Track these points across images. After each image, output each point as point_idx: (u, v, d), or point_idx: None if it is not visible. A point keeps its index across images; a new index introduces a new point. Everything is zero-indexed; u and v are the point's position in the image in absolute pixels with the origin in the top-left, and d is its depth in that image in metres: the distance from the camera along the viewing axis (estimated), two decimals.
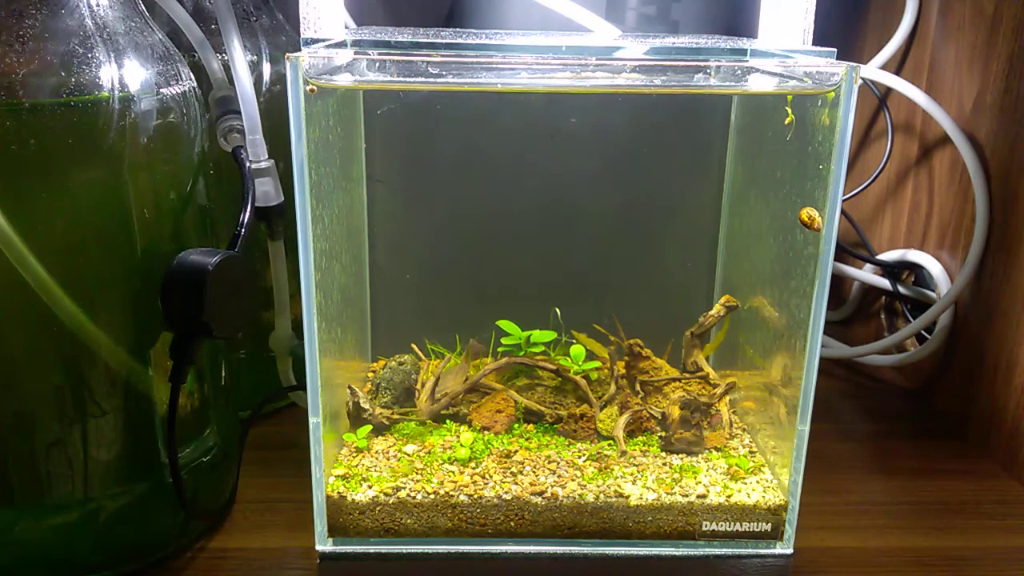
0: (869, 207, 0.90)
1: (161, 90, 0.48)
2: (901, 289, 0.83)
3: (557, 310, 0.66)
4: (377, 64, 0.47)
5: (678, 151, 0.66)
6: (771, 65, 0.50)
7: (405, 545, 0.53)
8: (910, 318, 0.84)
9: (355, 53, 0.46)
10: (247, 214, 0.55)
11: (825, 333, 0.69)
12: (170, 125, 0.49)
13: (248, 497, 0.61)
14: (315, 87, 0.45)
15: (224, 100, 0.59)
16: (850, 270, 0.88)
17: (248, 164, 0.56)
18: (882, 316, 0.89)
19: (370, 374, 0.67)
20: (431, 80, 0.45)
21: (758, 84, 0.49)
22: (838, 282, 0.94)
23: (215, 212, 0.55)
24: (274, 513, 0.59)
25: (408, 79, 0.46)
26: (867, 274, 0.87)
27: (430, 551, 0.53)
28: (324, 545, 0.53)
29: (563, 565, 0.53)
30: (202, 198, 0.54)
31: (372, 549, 0.53)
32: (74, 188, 0.45)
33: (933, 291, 0.79)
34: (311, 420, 0.51)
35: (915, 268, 0.82)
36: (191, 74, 0.53)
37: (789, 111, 0.50)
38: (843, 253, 0.88)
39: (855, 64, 0.45)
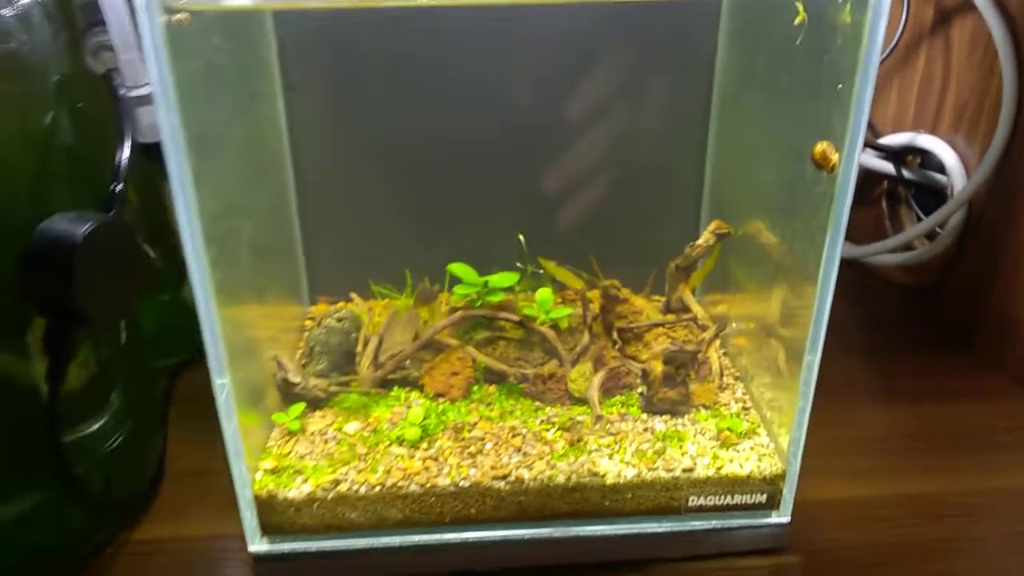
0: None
1: None
2: (906, 174, 0.74)
3: (521, 237, 0.56)
4: None
5: (655, 52, 0.54)
6: None
7: (354, 539, 0.46)
8: (913, 205, 0.75)
9: None
10: (123, 159, 0.44)
11: None
12: (6, 53, 0.38)
13: (179, 468, 0.55)
14: (184, 17, 0.34)
15: (90, 6, 0.46)
16: None
17: (123, 92, 0.45)
18: (883, 203, 0.80)
19: (308, 322, 0.59)
20: None
21: None
22: None
23: (99, 147, 0.44)
24: (208, 488, 0.52)
25: None
26: (868, 157, 0.77)
27: (383, 544, 0.46)
28: (257, 545, 0.46)
29: (535, 548, 0.47)
30: (68, 136, 0.43)
31: (315, 546, 0.46)
32: None
33: (945, 176, 0.70)
34: (216, 382, 0.42)
35: (925, 154, 0.72)
36: None
37: (800, 7, 0.39)
38: None
39: None
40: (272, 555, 0.46)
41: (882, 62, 0.74)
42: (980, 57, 0.65)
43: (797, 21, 0.39)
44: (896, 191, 0.79)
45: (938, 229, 0.70)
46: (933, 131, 0.71)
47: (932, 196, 0.73)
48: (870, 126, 0.78)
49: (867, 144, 0.76)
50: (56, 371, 0.42)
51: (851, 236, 0.79)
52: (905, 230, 0.76)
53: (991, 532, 0.49)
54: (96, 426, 0.48)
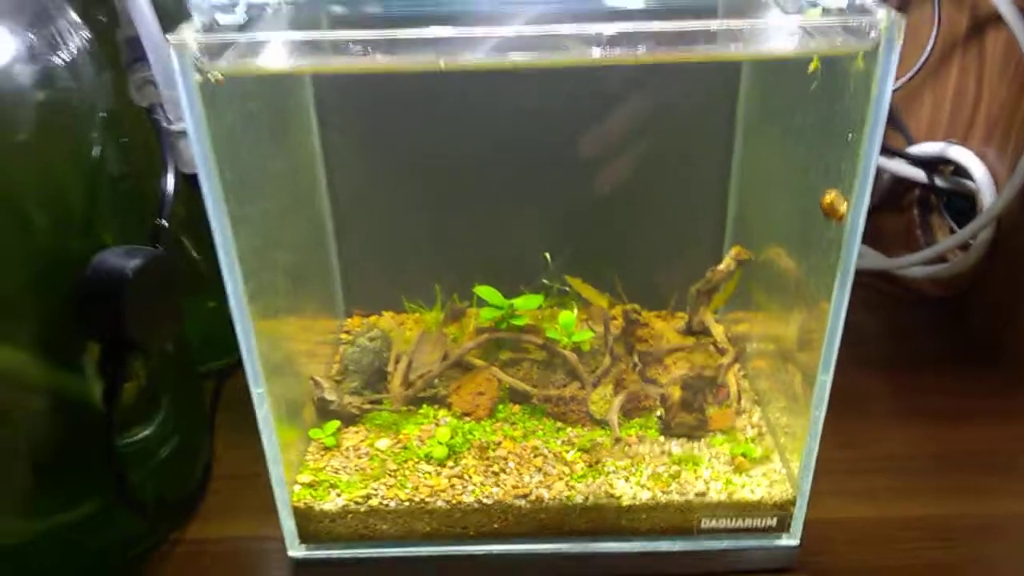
0: (905, 88, 0.78)
1: (43, 59, 0.40)
2: (938, 182, 0.74)
3: (547, 255, 0.58)
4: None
5: (681, 84, 0.55)
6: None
7: (385, 548, 0.49)
8: (945, 214, 0.75)
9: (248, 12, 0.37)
10: (168, 193, 0.47)
11: None
12: (59, 99, 0.41)
13: (225, 471, 0.58)
14: (221, 77, 0.36)
15: (135, 42, 0.48)
16: (880, 159, 0.78)
17: (166, 127, 0.47)
18: (914, 210, 0.80)
19: (344, 335, 0.62)
20: (355, 60, 0.35)
21: (770, 43, 0.38)
22: None
23: (142, 176, 0.47)
24: (252, 490, 0.54)
25: (326, 59, 0.37)
26: (900, 165, 0.77)
27: (411, 553, 0.49)
28: (296, 551, 0.49)
29: (553, 561, 0.49)
30: (114, 168, 0.46)
31: (349, 553, 0.49)
32: None
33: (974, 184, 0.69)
34: (254, 391, 0.44)
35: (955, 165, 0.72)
36: (79, 23, 0.43)
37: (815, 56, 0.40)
38: None
39: (898, 14, 0.35)
40: (309, 560, 0.50)
41: (917, 72, 0.73)
42: (1012, 71, 0.64)
43: (811, 69, 0.40)
44: (928, 198, 0.79)
45: (970, 241, 0.70)
46: (965, 142, 0.71)
47: (967, 202, 0.72)
48: (904, 133, 0.78)
49: (898, 153, 0.76)
50: (111, 392, 0.45)
51: (881, 244, 0.79)
52: (936, 238, 0.76)
53: (1005, 558, 0.50)
54: (147, 432, 0.51)
